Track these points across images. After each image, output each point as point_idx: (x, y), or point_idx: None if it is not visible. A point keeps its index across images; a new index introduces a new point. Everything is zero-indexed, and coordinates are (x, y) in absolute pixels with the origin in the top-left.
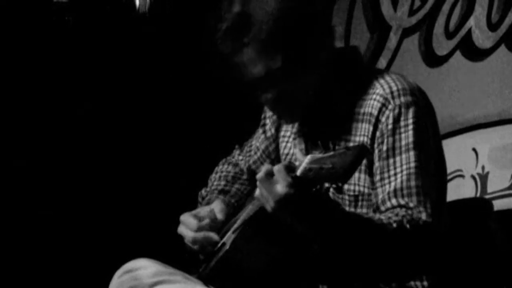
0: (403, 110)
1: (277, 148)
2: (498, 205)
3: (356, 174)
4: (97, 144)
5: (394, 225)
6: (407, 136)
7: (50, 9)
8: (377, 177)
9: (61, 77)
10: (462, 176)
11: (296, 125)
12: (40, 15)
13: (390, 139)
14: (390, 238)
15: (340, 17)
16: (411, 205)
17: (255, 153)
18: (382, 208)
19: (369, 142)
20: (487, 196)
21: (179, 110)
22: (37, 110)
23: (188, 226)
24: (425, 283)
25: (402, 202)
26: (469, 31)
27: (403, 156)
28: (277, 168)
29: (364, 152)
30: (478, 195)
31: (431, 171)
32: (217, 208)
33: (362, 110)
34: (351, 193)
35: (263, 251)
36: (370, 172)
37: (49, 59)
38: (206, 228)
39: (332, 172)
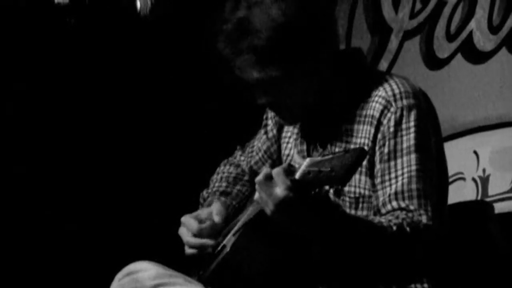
0: (405, 112)
1: (279, 149)
2: (499, 208)
3: (357, 176)
4: (99, 146)
5: (394, 227)
6: (408, 138)
7: (51, 11)
8: (378, 180)
9: (62, 79)
10: (463, 178)
11: (297, 126)
12: (41, 17)
13: (392, 141)
14: (390, 240)
15: (342, 19)
16: (411, 208)
17: (257, 153)
18: (383, 211)
19: (370, 144)
20: (488, 199)
21: (180, 112)
22: (38, 111)
23: (188, 228)
24: (426, 285)
25: (402, 204)
26: (470, 33)
27: (405, 158)
28: (276, 171)
29: (363, 154)
30: (479, 198)
31: (433, 174)
32: (215, 210)
33: (364, 112)
34: (352, 195)
35: (264, 253)
36: (371, 174)
37: (50, 61)
38: (207, 230)
39: (331, 175)
